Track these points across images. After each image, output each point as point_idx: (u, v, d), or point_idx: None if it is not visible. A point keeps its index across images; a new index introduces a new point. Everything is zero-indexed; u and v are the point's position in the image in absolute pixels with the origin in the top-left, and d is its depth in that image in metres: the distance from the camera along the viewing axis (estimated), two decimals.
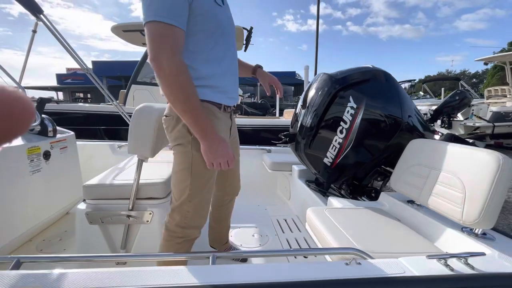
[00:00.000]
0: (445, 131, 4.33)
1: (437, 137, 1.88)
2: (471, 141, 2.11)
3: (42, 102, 1.74)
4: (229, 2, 1.13)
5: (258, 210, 2.19)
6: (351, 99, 1.44)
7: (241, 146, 1.39)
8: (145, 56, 4.66)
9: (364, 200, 1.70)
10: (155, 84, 4.63)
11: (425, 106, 6.59)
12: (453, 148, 1.10)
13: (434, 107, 3.55)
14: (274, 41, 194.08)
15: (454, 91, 2.85)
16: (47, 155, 1.70)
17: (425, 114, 3.30)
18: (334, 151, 1.51)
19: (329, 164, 1.55)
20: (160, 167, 1.63)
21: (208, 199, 1.12)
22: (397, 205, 1.33)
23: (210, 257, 0.78)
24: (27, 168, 1.55)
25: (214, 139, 0.93)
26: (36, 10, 2.01)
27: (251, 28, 4.69)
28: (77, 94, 27.97)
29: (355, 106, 1.44)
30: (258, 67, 1.43)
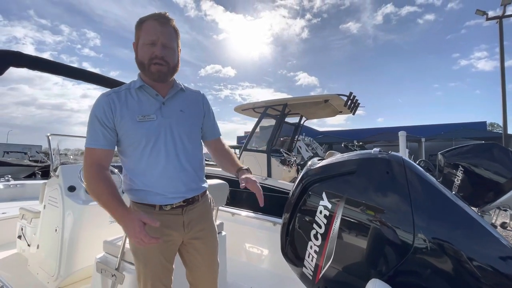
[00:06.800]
0: None
1: None
2: None
3: None
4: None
5: None
6: (324, 196, 1.11)
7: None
8: (253, 130, 5.54)
9: None
10: (261, 151, 5.27)
11: None
12: None
13: None
14: (457, 86, 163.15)
15: None
16: None
17: None
18: (312, 261, 1.14)
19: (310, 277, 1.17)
20: None
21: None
22: None
23: None
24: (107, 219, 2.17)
25: (125, 222, 1.03)
26: None
27: (350, 93, 4.68)
28: None
29: (329, 206, 1.08)
30: (242, 169, 1.31)
